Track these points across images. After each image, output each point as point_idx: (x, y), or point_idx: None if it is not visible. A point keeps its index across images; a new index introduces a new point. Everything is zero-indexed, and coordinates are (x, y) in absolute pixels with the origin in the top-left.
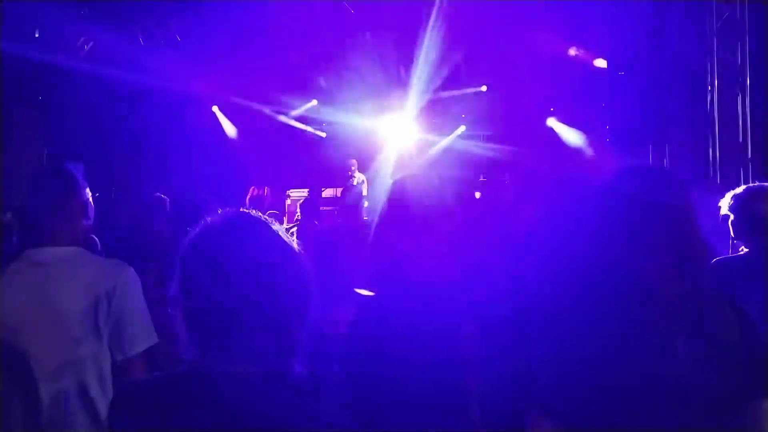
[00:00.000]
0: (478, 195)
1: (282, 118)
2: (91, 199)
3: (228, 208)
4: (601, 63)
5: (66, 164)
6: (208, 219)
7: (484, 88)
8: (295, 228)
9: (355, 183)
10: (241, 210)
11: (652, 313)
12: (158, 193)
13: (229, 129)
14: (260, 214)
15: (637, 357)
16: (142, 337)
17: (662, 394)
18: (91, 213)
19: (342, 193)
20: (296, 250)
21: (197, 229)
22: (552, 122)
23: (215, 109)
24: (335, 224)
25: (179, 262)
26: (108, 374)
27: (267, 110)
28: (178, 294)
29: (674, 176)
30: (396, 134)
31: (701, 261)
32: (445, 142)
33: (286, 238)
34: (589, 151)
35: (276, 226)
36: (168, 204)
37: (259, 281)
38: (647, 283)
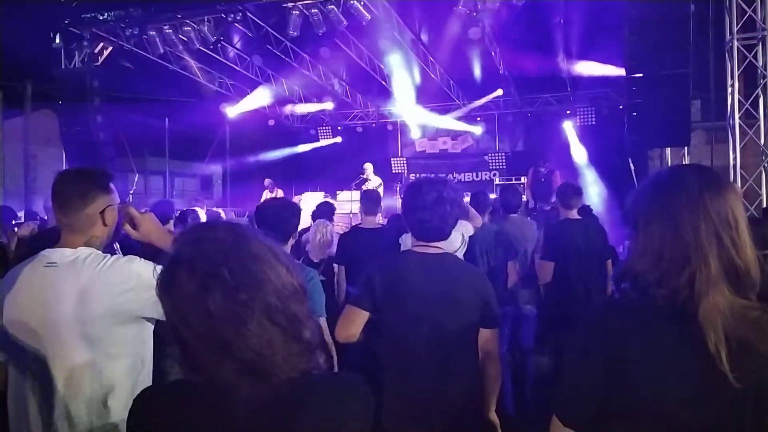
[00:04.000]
0: (493, 196)
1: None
2: (114, 205)
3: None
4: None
5: (91, 168)
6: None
7: (500, 92)
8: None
9: (371, 186)
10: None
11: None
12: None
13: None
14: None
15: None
16: None
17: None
18: (111, 219)
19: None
20: (278, 251)
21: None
22: (568, 127)
23: (232, 108)
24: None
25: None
26: (131, 377)
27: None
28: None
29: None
30: (410, 137)
31: None
32: (455, 125)
33: (265, 245)
34: None
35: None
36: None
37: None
38: None
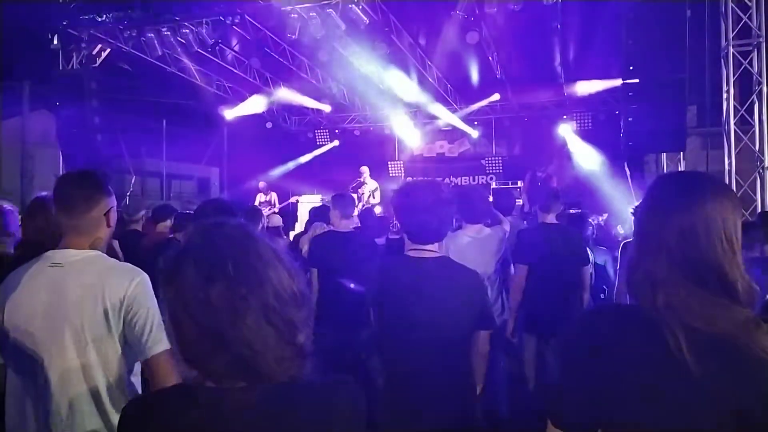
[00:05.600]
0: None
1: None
2: (114, 207)
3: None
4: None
5: (91, 171)
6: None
7: (497, 96)
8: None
9: (367, 190)
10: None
11: None
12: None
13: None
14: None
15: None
16: (157, 339)
17: None
18: (114, 220)
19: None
20: (282, 255)
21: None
22: (565, 130)
23: (230, 111)
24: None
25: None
26: (124, 380)
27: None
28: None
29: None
30: (407, 141)
31: None
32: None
33: (266, 243)
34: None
35: (255, 230)
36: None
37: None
38: None
